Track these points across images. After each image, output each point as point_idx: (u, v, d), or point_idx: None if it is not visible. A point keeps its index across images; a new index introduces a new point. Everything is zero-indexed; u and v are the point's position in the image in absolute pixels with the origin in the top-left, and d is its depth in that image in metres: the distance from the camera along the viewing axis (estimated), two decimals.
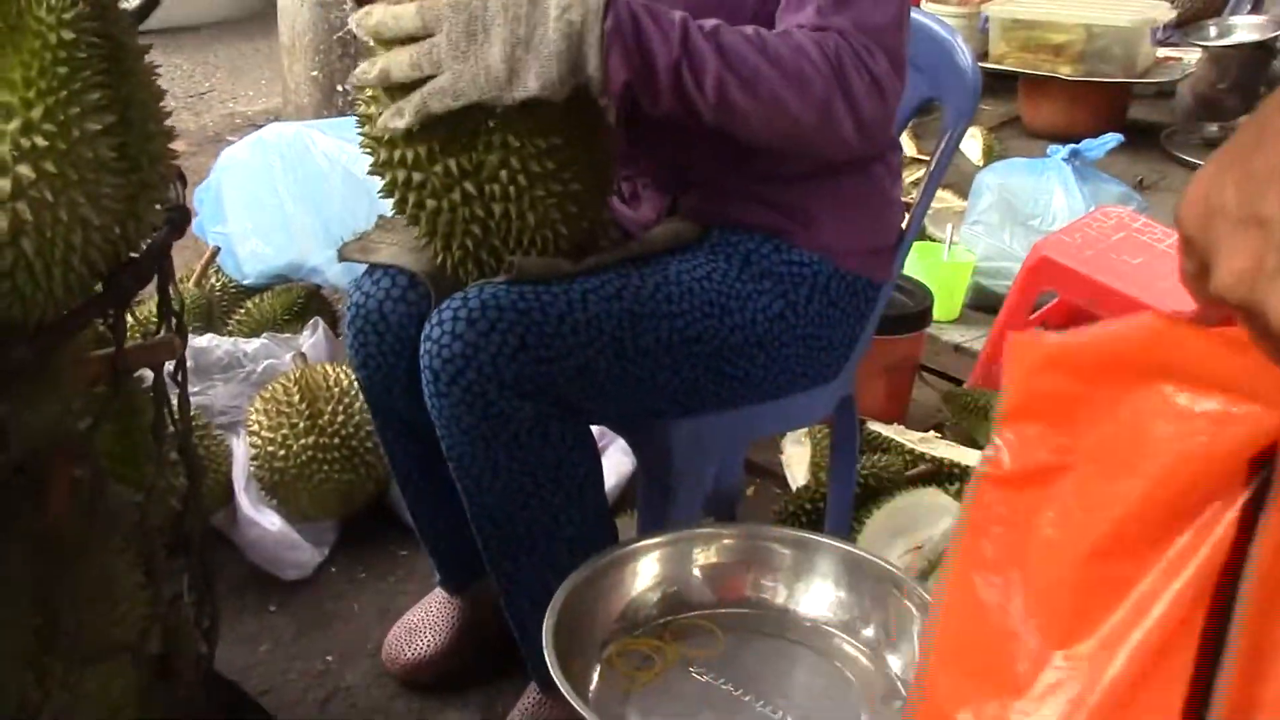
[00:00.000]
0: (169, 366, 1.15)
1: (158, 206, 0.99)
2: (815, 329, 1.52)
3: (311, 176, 2.62)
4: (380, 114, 1.28)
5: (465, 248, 1.34)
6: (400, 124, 1.26)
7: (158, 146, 0.96)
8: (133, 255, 1.00)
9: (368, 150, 1.36)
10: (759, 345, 1.47)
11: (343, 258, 1.55)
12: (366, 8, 1.28)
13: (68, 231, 0.88)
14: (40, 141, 0.85)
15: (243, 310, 2.62)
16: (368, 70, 1.27)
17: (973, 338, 2.64)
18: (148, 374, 1.14)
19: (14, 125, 0.85)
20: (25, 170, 0.85)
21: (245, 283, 2.67)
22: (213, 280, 2.67)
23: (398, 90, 1.27)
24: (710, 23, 1.31)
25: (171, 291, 1.11)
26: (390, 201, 1.38)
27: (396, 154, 1.29)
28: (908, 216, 1.70)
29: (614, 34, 1.24)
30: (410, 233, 1.43)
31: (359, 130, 1.38)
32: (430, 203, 1.31)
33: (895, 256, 1.62)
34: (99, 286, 0.97)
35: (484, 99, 1.24)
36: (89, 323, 0.96)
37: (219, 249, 2.64)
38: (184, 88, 5.08)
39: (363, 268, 1.55)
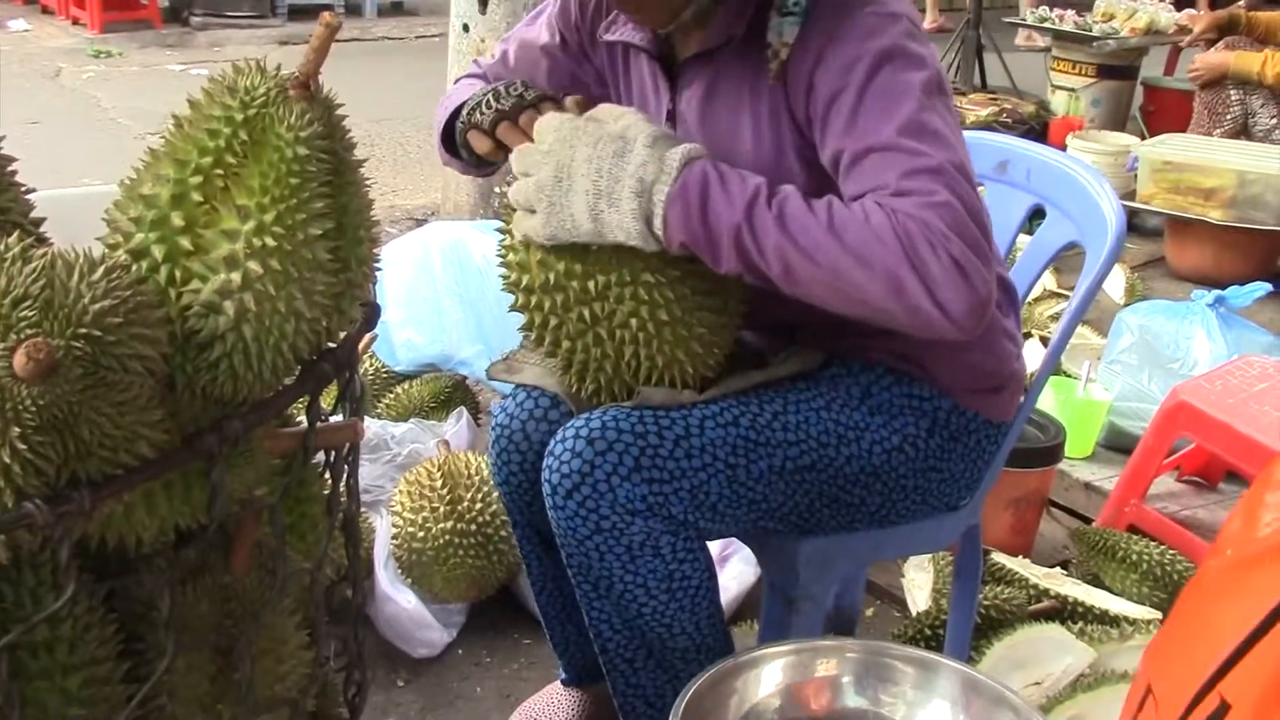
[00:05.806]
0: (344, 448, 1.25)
1: (358, 303, 1.11)
2: (936, 462, 1.55)
3: (468, 274, 2.77)
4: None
5: (598, 382, 1.44)
6: (518, 238, 1.39)
7: (365, 251, 1.08)
8: (331, 345, 1.11)
9: (504, 277, 1.46)
10: (875, 475, 1.51)
11: (490, 377, 1.65)
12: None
13: (283, 322, 1.00)
14: (270, 242, 0.97)
15: (392, 395, 2.76)
16: (508, 191, 1.39)
17: (1104, 477, 2.62)
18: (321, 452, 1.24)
19: (249, 226, 0.97)
20: (254, 266, 0.97)
21: (397, 369, 2.82)
22: (366, 364, 2.82)
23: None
24: (785, 189, 1.31)
25: (356, 380, 1.22)
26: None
27: (534, 299, 1.40)
28: (1042, 355, 1.72)
29: (679, 194, 1.29)
30: None
31: (499, 249, 1.48)
32: (565, 344, 1.42)
33: (1017, 397, 1.63)
34: (298, 371, 1.08)
35: (579, 240, 1.33)
36: (291, 403, 1.07)
37: (375, 336, 2.79)
38: None
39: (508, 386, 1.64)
